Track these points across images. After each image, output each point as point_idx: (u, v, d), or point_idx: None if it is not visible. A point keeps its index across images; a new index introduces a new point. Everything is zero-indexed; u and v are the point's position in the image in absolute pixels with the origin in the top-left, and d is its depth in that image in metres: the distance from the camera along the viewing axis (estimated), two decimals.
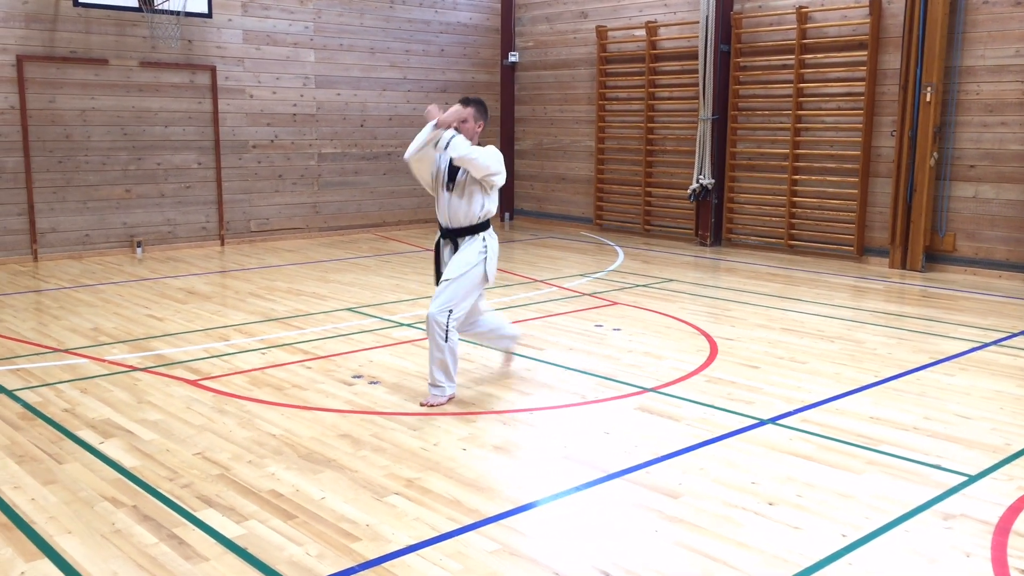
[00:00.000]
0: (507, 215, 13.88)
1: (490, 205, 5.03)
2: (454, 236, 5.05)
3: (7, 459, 4.16)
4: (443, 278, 4.98)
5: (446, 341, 4.90)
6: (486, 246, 5.02)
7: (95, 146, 10.03)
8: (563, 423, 4.73)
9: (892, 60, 9.63)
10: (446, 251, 5.11)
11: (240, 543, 3.35)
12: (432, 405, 4.93)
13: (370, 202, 12.49)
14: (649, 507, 3.68)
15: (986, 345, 6.36)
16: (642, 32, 11.89)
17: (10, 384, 5.32)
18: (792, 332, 6.72)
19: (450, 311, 4.90)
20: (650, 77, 11.86)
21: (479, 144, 4.97)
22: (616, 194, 12.60)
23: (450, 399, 5.01)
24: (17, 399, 5.04)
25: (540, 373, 5.63)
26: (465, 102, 4.96)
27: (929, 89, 9.16)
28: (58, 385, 5.32)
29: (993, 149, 9.03)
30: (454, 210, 4.99)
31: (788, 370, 5.71)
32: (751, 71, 10.92)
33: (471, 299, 5.02)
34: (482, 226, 5.04)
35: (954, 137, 9.27)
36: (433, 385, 4.99)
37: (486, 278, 5.03)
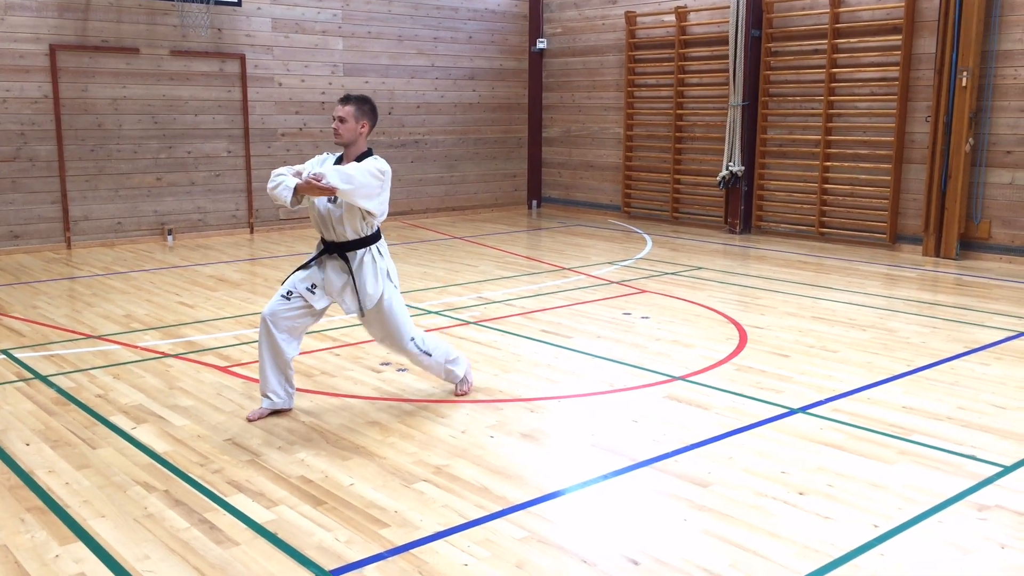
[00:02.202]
0: (535, 203, 13.84)
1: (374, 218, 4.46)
2: (341, 251, 4.46)
3: (42, 444, 4.22)
4: (351, 310, 4.52)
5: (431, 356, 4.71)
6: (386, 271, 4.54)
7: (126, 135, 10.13)
8: (591, 411, 4.72)
9: (927, 44, 9.47)
10: (330, 268, 4.49)
11: (270, 528, 3.38)
12: (464, 393, 4.92)
13: (397, 190, 12.49)
14: (678, 496, 3.66)
15: (1022, 334, 6.25)
16: (672, 17, 11.78)
17: (44, 370, 5.40)
18: (823, 320, 6.64)
19: (412, 339, 4.63)
20: (680, 63, 11.75)
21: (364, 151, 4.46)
22: (645, 181, 12.52)
23: (467, 368, 4.97)
24: (51, 384, 5.11)
25: (567, 361, 5.62)
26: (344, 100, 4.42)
27: (965, 74, 8.99)
28: (91, 371, 5.38)
29: None
30: (336, 222, 4.41)
31: (819, 359, 5.65)
32: (782, 56, 10.78)
33: (406, 312, 4.67)
34: (371, 238, 4.50)
35: (990, 122, 9.10)
36: (453, 380, 4.91)
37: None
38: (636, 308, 7.06)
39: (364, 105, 4.45)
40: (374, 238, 4.53)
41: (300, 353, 5.73)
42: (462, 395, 4.90)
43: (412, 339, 4.67)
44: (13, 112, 9.40)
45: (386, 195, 4.42)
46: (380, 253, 4.55)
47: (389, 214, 13.13)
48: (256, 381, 5.16)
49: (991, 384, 5.13)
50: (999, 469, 3.93)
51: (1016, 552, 3.20)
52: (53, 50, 9.53)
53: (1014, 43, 8.88)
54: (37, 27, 9.46)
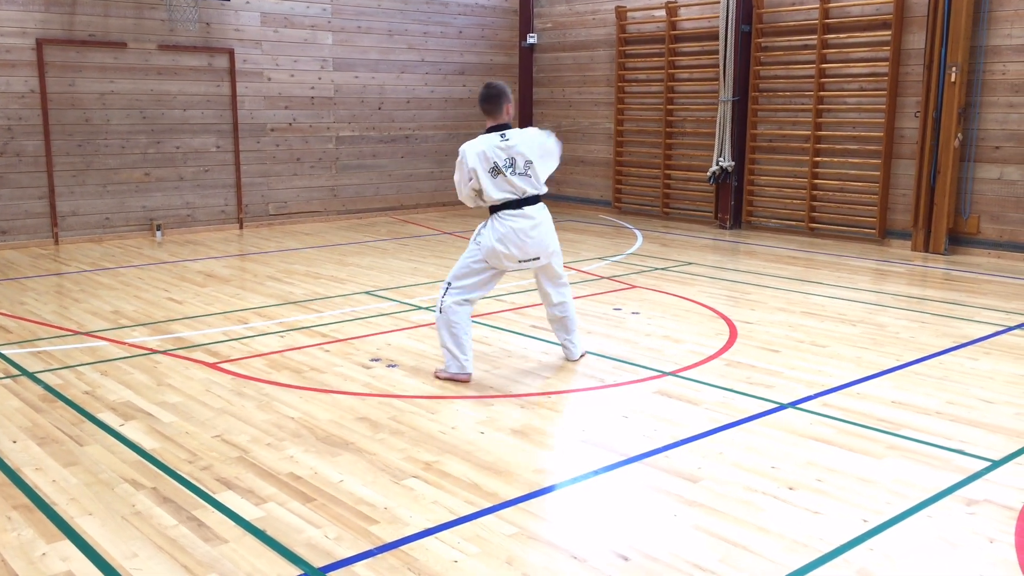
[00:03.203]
0: None
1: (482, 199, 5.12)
2: None
3: (29, 441, 4.20)
4: None
5: (440, 312, 5.06)
6: (480, 231, 5.11)
7: (114, 129, 10.07)
8: (581, 407, 4.72)
9: (916, 40, 9.49)
10: None
11: (259, 525, 3.36)
12: (441, 377, 5.11)
13: (388, 185, 12.48)
14: (668, 491, 3.66)
15: (1010, 329, 6.28)
16: (662, 12, 11.78)
17: (32, 366, 5.37)
18: (813, 316, 6.66)
19: (448, 283, 5.09)
20: (670, 58, 11.75)
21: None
22: (635, 177, 12.52)
23: (463, 379, 5.04)
24: (38, 381, 5.08)
25: (557, 357, 5.61)
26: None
27: (954, 69, 9.02)
28: (79, 367, 5.35)
29: (1019, 130, 8.89)
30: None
31: (809, 354, 5.66)
32: (772, 51, 10.79)
33: (474, 279, 5.08)
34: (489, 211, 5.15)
35: (979, 118, 9.13)
36: (446, 366, 5.14)
37: (487, 262, 5.07)
38: (626, 304, 7.06)
39: (481, 100, 5.13)
40: (491, 212, 5.08)
41: (291, 349, 5.73)
42: (436, 374, 5.13)
43: (447, 287, 5.07)
44: None
45: (472, 177, 4.96)
46: (491, 225, 5.03)
47: (379, 210, 13.06)
48: (247, 378, 5.15)
49: (980, 379, 5.15)
50: (988, 463, 3.94)
51: (1004, 546, 3.22)
52: (40, 44, 9.46)
53: (1003, 38, 8.91)
54: (24, 21, 9.39)
